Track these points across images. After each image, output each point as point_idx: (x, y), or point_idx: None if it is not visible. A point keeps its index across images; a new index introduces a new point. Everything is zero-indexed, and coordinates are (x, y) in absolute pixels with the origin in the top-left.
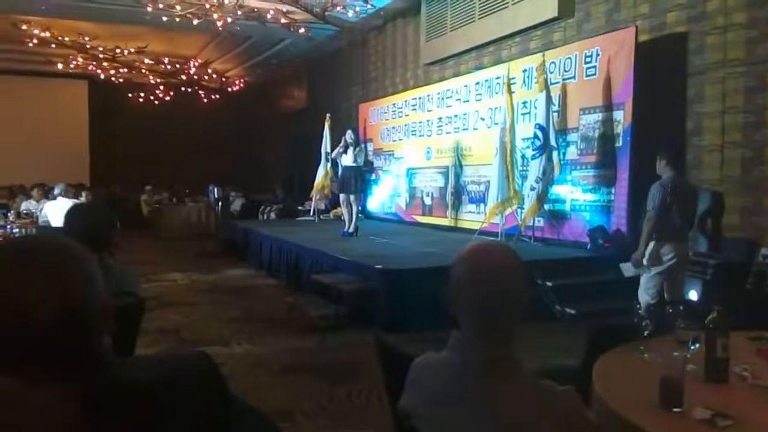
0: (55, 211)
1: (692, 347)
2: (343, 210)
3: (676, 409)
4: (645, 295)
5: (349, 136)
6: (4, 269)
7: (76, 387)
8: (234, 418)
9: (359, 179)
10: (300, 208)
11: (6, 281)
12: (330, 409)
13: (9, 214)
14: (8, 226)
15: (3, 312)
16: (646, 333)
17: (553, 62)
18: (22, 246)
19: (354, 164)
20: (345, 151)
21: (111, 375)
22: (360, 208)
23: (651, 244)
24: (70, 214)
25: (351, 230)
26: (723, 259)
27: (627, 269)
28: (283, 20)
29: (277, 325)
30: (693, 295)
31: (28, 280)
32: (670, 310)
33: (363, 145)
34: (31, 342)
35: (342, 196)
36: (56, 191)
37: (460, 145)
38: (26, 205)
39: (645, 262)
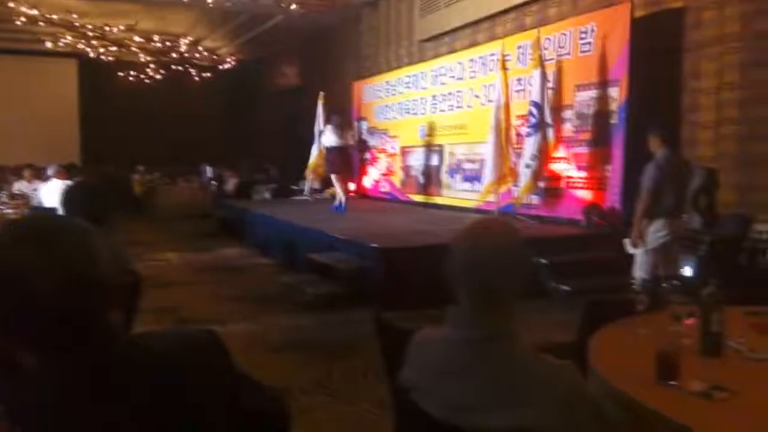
0: (50, 193)
1: (687, 322)
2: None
3: (672, 383)
4: (640, 272)
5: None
6: (5, 246)
7: (86, 358)
8: (242, 391)
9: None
10: (294, 187)
11: (8, 257)
12: (328, 386)
13: (1, 195)
14: (1, 207)
15: (6, 288)
16: (641, 308)
17: (548, 38)
18: (23, 223)
19: (334, 144)
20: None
21: (121, 347)
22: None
23: (645, 222)
24: (68, 193)
25: (336, 205)
26: (717, 236)
27: (629, 246)
28: None
29: (273, 303)
30: (687, 271)
31: (29, 256)
32: (665, 286)
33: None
34: (37, 316)
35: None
36: (49, 172)
37: (454, 123)
38: (18, 186)
39: (641, 240)
